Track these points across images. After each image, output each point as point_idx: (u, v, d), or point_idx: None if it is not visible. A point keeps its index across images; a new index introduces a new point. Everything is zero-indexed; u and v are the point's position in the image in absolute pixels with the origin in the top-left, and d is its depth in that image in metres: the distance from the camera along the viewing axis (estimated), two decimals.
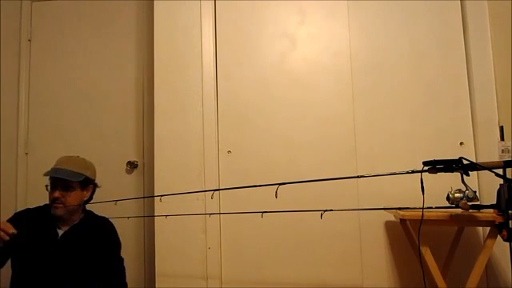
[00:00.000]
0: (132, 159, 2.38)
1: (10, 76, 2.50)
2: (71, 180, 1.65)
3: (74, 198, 1.67)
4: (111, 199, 1.70)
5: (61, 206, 1.64)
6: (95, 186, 1.78)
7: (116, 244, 1.80)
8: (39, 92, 2.52)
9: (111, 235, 1.79)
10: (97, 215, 1.81)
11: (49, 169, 1.68)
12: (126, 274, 1.80)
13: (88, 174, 1.72)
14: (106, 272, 1.72)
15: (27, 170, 2.46)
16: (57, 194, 1.64)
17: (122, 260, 1.81)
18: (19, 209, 2.02)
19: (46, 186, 1.68)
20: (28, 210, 1.77)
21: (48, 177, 1.67)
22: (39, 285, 1.61)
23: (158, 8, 2.24)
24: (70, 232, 1.69)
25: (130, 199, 2.21)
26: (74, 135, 2.44)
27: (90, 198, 1.77)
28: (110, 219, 1.80)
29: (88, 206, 1.80)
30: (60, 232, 1.68)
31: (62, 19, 2.56)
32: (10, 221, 1.59)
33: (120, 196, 1.95)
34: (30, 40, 2.56)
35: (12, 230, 1.46)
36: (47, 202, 1.70)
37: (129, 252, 2.30)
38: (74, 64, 2.51)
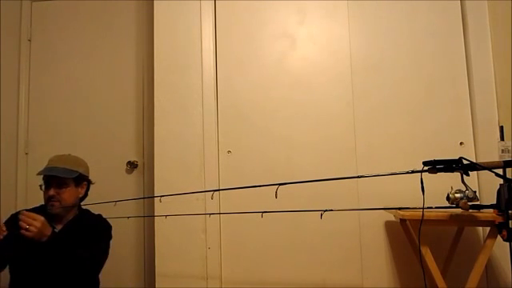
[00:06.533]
0: (132, 159, 2.38)
1: (10, 76, 2.50)
2: (65, 177, 1.66)
3: (68, 194, 1.67)
4: (111, 199, 1.70)
5: (57, 203, 1.64)
6: (89, 182, 1.78)
7: (103, 234, 1.73)
8: (39, 92, 2.52)
9: (102, 227, 1.75)
10: (92, 213, 1.80)
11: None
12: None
13: (81, 170, 1.73)
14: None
15: (27, 169, 2.46)
16: (52, 192, 1.64)
17: (104, 250, 1.69)
18: (19, 209, 2.02)
19: (40, 185, 1.68)
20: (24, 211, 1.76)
21: (42, 176, 1.67)
22: (37, 282, 1.61)
23: (158, 8, 2.24)
24: (64, 229, 1.69)
25: (130, 200, 2.20)
26: (73, 135, 2.44)
27: (85, 194, 1.77)
28: (110, 219, 1.79)
29: (87, 207, 1.80)
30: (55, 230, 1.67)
31: (61, 19, 2.56)
32: (7, 221, 1.60)
33: (120, 196, 1.95)
34: (29, 40, 2.56)
35: (3, 232, 1.48)
36: (43, 203, 1.70)
37: (129, 252, 2.31)
38: (74, 64, 2.51)
